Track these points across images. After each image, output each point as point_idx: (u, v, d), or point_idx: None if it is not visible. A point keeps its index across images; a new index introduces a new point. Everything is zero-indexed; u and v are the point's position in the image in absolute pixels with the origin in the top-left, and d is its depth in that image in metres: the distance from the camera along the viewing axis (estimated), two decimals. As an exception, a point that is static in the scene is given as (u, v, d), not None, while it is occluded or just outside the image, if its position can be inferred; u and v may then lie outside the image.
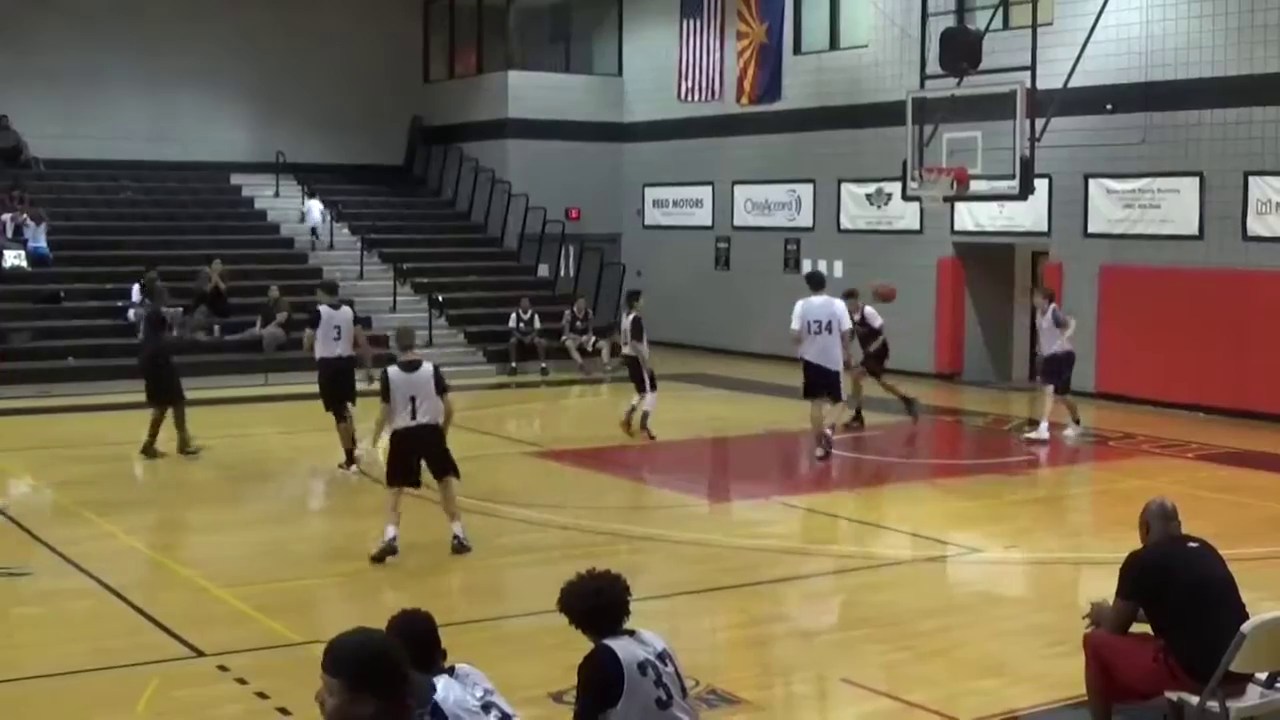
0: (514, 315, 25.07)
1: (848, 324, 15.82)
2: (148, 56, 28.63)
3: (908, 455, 17.59)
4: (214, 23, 29.22)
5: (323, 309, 15.54)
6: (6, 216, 24.70)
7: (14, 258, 24.20)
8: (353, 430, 15.27)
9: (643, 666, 5.40)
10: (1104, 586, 8.86)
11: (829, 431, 16.02)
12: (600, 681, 5.39)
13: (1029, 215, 21.70)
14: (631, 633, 5.53)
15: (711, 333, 27.64)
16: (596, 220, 29.48)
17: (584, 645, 5.51)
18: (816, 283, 16.03)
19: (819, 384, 15.74)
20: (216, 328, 24.12)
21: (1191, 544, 7.00)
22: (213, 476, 15.54)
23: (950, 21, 21.35)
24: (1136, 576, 6.93)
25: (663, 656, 5.49)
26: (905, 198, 21.43)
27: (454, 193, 30.52)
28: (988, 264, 23.36)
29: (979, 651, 9.20)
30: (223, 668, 8.55)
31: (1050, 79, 19.49)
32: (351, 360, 15.47)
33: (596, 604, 5.55)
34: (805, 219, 26.16)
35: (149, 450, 16.01)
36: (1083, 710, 7.40)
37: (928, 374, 22.78)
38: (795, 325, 15.65)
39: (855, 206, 25.15)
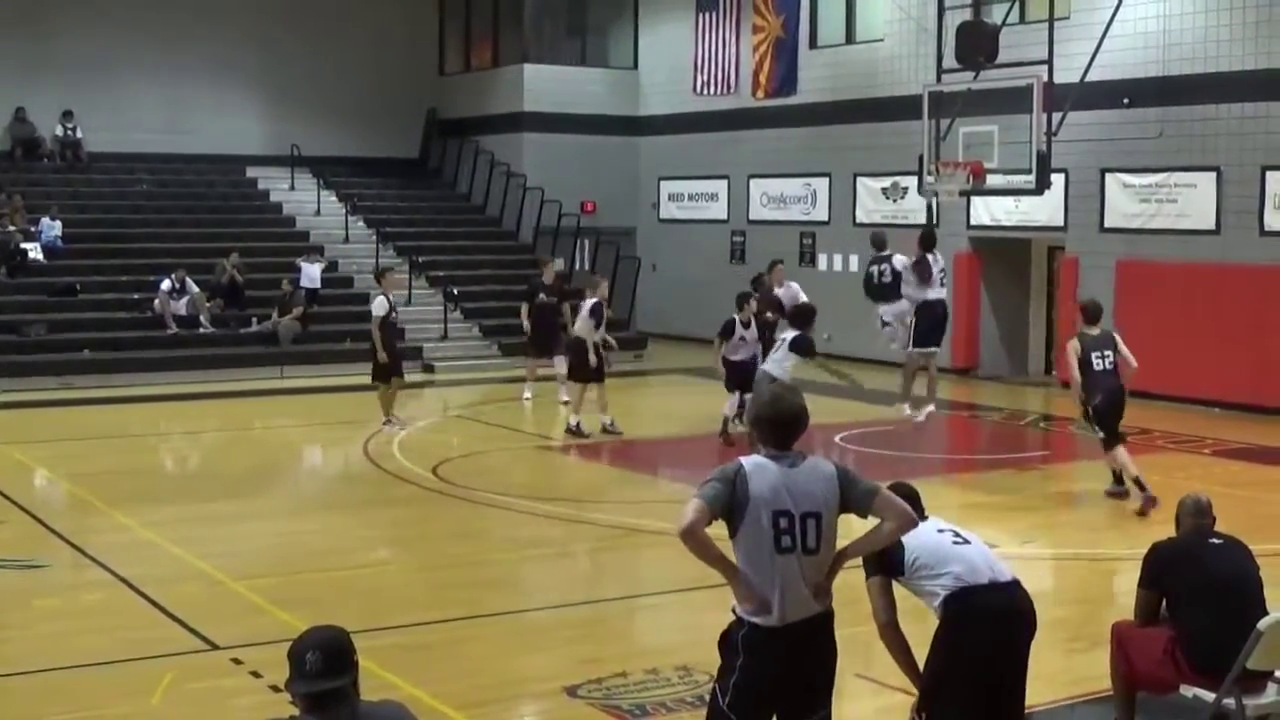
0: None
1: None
2: (163, 49, 28.62)
3: (923, 450, 17.52)
4: (229, 15, 29.25)
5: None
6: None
7: (31, 250, 24.29)
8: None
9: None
10: (1120, 581, 8.85)
11: None
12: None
13: (1045, 210, 21.63)
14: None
15: (726, 326, 27.56)
16: (612, 214, 29.44)
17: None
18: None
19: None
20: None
21: (1215, 540, 6.98)
22: (228, 469, 15.57)
23: (966, 15, 21.22)
24: (1152, 565, 6.95)
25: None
26: (921, 192, 21.37)
27: (469, 186, 30.51)
28: (1004, 259, 23.30)
29: (994, 647, 9.13)
30: (237, 661, 8.56)
31: (1067, 73, 19.41)
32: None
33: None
34: (821, 213, 26.11)
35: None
36: (1099, 706, 7.37)
37: (944, 368, 22.60)
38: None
39: (871, 200, 25.10)
